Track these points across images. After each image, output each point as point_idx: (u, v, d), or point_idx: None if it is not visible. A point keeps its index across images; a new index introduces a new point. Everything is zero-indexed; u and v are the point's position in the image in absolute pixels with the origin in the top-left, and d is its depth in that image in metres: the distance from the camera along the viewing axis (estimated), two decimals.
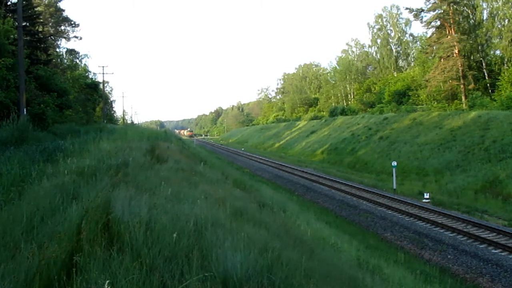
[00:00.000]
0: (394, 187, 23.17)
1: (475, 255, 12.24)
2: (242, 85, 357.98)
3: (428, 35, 50.46)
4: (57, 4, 41.95)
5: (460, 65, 41.17)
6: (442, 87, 44.34)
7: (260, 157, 46.47)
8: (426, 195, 19.91)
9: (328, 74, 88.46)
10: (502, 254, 12.11)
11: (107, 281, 2.97)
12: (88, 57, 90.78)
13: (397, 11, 65.58)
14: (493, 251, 12.40)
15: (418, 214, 16.98)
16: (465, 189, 21.57)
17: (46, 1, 40.99)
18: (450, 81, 42.94)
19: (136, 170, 8.19)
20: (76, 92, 32.56)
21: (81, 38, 79.28)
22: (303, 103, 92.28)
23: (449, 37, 42.61)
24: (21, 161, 9.57)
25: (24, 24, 22.05)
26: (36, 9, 31.30)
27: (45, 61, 27.41)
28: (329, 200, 21.82)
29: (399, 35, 65.69)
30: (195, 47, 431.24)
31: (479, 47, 43.18)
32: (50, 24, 41.05)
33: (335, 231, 13.12)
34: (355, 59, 76.61)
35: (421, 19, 47.34)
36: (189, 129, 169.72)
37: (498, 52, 42.78)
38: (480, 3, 43.28)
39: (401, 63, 66.78)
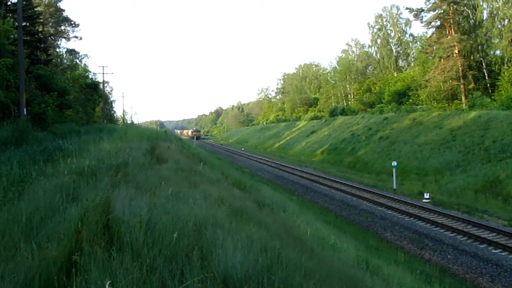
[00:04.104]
0: (394, 187, 23.17)
1: (475, 255, 12.24)
2: (242, 85, 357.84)
3: (428, 35, 50.55)
4: (57, 4, 42.07)
5: (460, 65, 41.18)
6: (442, 87, 44.35)
7: (260, 157, 46.47)
8: (426, 195, 19.91)
9: (328, 74, 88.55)
10: (502, 254, 12.12)
11: (107, 281, 2.96)
12: (88, 57, 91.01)
13: (397, 11, 65.75)
14: (493, 251, 12.40)
15: (418, 214, 16.98)
16: (465, 189, 21.57)
17: (46, 1, 41.04)
18: (450, 81, 42.95)
19: (136, 170, 8.18)
20: (76, 92, 32.52)
21: (81, 38, 79.26)
22: (303, 103, 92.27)
23: (449, 37, 42.62)
24: (21, 161, 9.56)
25: (24, 24, 22.04)
26: (36, 9, 31.29)
27: (45, 61, 27.40)
28: (329, 200, 21.82)
29: (399, 35, 65.72)
30: (195, 47, 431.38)
31: (479, 47, 43.20)
32: (50, 24, 41.09)
33: (335, 231, 13.12)
34: (355, 59, 76.65)
35: (421, 19, 47.45)
36: (194, 128, 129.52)
37: (498, 52, 42.83)
38: (480, 3, 43.30)
39: (401, 63, 66.81)
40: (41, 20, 32.16)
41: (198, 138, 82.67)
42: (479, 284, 10.98)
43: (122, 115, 76.70)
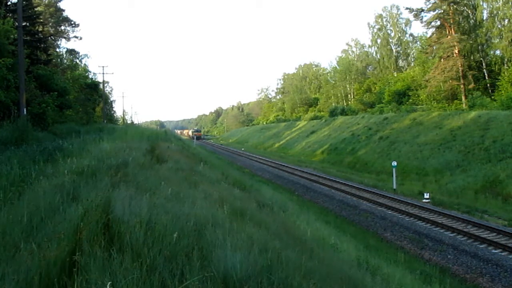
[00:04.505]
0: (394, 187, 23.16)
1: (475, 255, 12.24)
2: (242, 85, 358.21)
3: (428, 35, 50.58)
4: (57, 4, 42.07)
5: (460, 65, 41.19)
6: (442, 87, 44.35)
7: (260, 157, 46.46)
8: (426, 195, 19.91)
9: (328, 74, 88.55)
10: (502, 254, 12.11)
11: (108, 281, 2.96)
12: (88, 57, 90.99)
13: (397, 11, 65.83)
14: (493, 251, 12.40)
15: (418, 214, 16.98)
16: (465, 189, 21.57)
17: (46, 1, 41.04)
18: (450, 81, 42.96)
19: (136, 170, 8.18)
20: (76, 92, 32.54)
21: (81, 38, 79.38)
22: (303, 103, 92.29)
23: (449, 37, 42.63)
24: (21, 161, 9.56)
25: (24, 24, 22.03)
26: (36, 9, 31.28)
27: (45, 61, 27.40)
28: (329, 200, 21.81)
29: (399, 35, 65.76)
30: (195, 47, 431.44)
31: (479, 47, 43.21)
32: (50, 24, 41.08)
33: (335, 231, 13.11)
34: (355, 59, 76.69)
35: (421, 19, 47.47)
36: (195, 128, 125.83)
37: (498, 52, 42.83)
38: (480, 3, 43.33)
39: (401, 63, 66.85)
40: (41, 20, 32.15)
41: (198, 138, 79.54)
42: (479, 284, 10.98)
43: (122, 115, 76.78)
